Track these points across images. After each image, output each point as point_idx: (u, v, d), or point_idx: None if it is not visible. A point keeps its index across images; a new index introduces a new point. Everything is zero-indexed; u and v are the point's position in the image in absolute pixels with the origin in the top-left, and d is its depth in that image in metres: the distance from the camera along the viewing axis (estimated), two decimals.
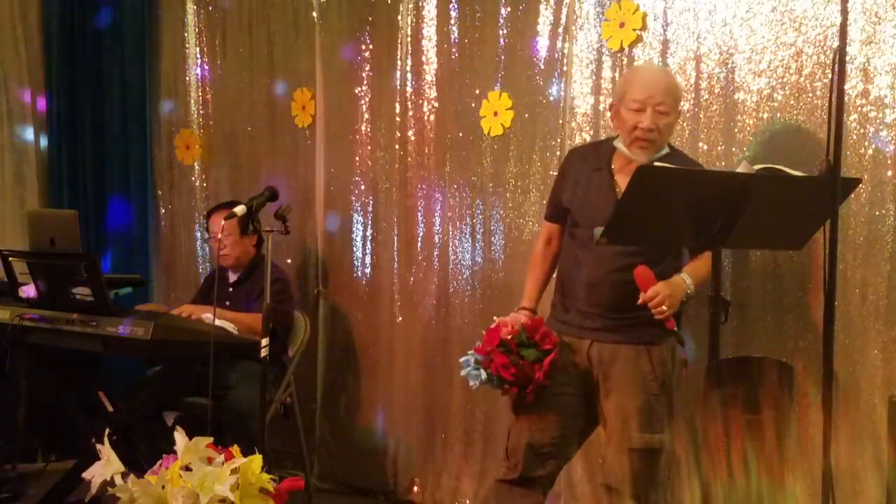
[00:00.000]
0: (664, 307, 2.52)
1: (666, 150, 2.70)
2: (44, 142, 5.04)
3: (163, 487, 2.07)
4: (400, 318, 4.04)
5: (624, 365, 2.67)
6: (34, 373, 3.82)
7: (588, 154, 2.86)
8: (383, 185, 4.09)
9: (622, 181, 2.68)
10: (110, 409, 3.90)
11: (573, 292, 2.78)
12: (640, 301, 2.53)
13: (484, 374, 2.69)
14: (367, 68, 4.12)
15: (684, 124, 3.18)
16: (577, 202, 2.78)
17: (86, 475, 2.22)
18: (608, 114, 2.95)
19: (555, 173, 3.17)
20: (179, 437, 2.14)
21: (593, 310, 2.72)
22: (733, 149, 3.07)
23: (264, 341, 3.04)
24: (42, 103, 5.03)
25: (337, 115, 4.25)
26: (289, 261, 4.37)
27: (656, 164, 2.51)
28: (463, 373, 2.75)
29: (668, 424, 2.68)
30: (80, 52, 5.13)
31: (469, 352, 2.75)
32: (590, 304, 2.72)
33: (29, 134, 4.95)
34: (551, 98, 3.53)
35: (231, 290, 3.99)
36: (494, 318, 2.77)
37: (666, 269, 2.67)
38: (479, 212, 3.77)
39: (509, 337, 2.66)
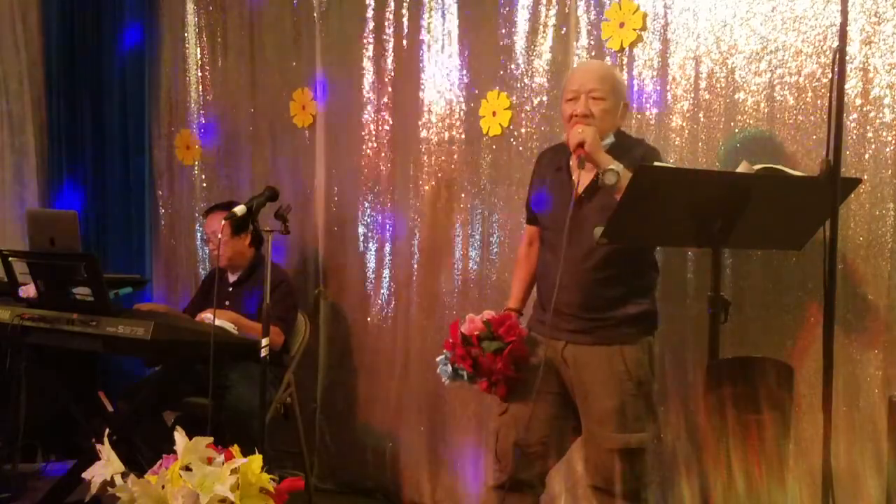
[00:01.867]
0: (582, 133, 2.54)
1: (611, 139, 2.70)
2: (44, 142, 5.05)
3: (163, 487, 2.07)
4: (400, 319, 4.04)
5: (597, 366, 2.67)
6: (34, 373, 3.81)
7: (552, 156, 2.89)
8: (383, 184, 4.10)
9: (578, 179, 2.69)
10: (110, 409, 3.91)
11: (548, 294, 2.80)
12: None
13: (450, 369, 2.77)
14: (366, 68, 4.12)
15: (684, 124, 3.19)
16: (541, 204, 2.81)
17: (86, 475, 2.22)
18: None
19: None
20: (179, 437, 2.13)
21: (567, 310, 2.72)
22: (733, 148, 3.07)
23: (264, 341, 3.04)
24: (42, 104, 5.04)
25: (337, 115, 4.25)
26: (275, 263, 4.37)
27: (656, 164, 2.51)
28: (438, 370, 2.82)
29: (648, 423, 2.67)
30: (80, 52, 5.13)
31: (444, 350, 2.82)
32: (563, 304, 2.73)
33: (29, 134, 4.94)
34: (551, 98, 3.53)
35: (231, 290, 3.99)
36: (468, 315, 2.80)
37: (634, 267, 2.68)
38: (478, 212, 3.77)
39: (476, 333, 2.72)
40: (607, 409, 2.64)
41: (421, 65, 3.93)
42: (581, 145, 2.55)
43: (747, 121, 3.06)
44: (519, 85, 3.62)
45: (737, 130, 3.08)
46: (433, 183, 3.91)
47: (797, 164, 2.90)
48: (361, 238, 4.19)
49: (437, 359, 2.84)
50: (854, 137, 2.82)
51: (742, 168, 2.53)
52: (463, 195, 3.82)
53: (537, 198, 2.85)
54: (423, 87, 3.93)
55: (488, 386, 2.76)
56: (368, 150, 4.13)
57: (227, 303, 3.89)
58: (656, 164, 2.51)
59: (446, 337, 2.82)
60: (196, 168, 4.80)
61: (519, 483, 2.77)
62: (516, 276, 3.02)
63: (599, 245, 2.53)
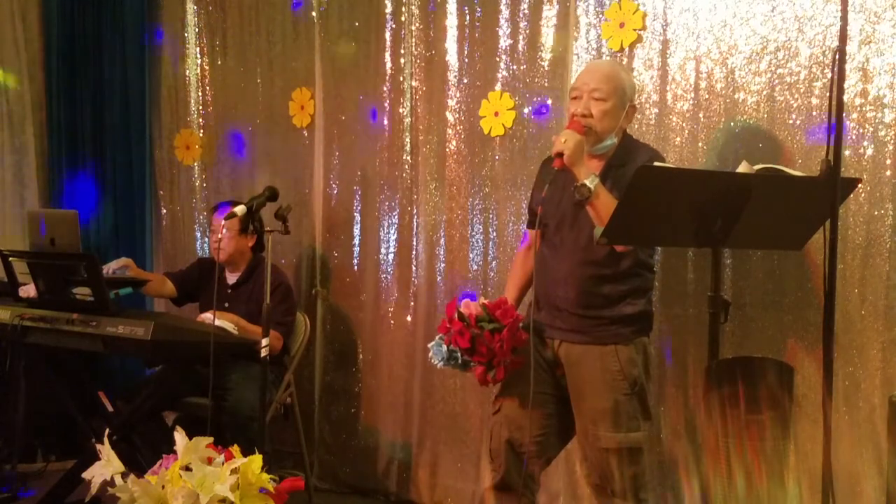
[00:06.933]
0: (565, 143, 2.52)
1: (611, 141, 2.68)
2: (44, 142, 5.04)
3: (163, 487, 2.07)
4: (399, 319, 4.04)
5: (591, 366, 2.67)
6: (34, 373, 3.81)
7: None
8: (383, 185, 4.10)
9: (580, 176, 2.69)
10: (110, 409, 3.90)
11: (543, 290, 2.80)
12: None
13: (444, 349, 2.70)
14: (366, 68, 4.13)
15: (684, 124, 3.19)
16: (544, 201, 2.80)
17: (86, 475, 2.22)
18: None
19: None
20: (179, 437, 2.13)
21: (563, 305, 2.72)
22: (733, 149, 3.07)
23: (264, 341, 3.04)
24: (42, 104, 5.03)
25: (336, 115, 4.25)
26: (283, 261, 4.37)
27: (656, 164, 2.52)
28: (430, 354, 2.76)
29: (643, 422, 2.67)
30: (80, 52, 5.13)
31: (439, 333, 2.76)
32: (559, 298, 2.73)
33: (29, 134, 4.94)
34: (553, 98, 3.53)
35: (230, 291, 3.99)
36: (464, 301, 2.76)
37: (630, 267, 2.67)
38: (479, 212, 3.77)
39: (475, 315, 2.67)
40: (601, 409, 2.64)
41: (421, 64, 3.94)
42: (560, 155, 2.53)
43: (747, 121, 3.06)
44: (521, 85, 3.62)
45: (737, 130, 3.08)
46: (433, 183, 3.91)
47: (797, 164, 2.91)
48: (360, 238, 4.19)
49: (430, 344, 2.77)
50: (854, 137, 2.83)
51: (742, 168, 2.53)
52: (463, 195, 3.82)
53: (540, 196, 2.84)
54: (422, 86, 3.93)
55: (484, 371, 2.68)
56: (367, 150, 4.13)
57: (226, 304, 3.88)
58: (656, 164, 2.51)
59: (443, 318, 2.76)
60: (196, 168, 4.81)
61: (513, 483, 2.77)
62: (511, 279, 3.01)
63: (599, 244, 2.53)
